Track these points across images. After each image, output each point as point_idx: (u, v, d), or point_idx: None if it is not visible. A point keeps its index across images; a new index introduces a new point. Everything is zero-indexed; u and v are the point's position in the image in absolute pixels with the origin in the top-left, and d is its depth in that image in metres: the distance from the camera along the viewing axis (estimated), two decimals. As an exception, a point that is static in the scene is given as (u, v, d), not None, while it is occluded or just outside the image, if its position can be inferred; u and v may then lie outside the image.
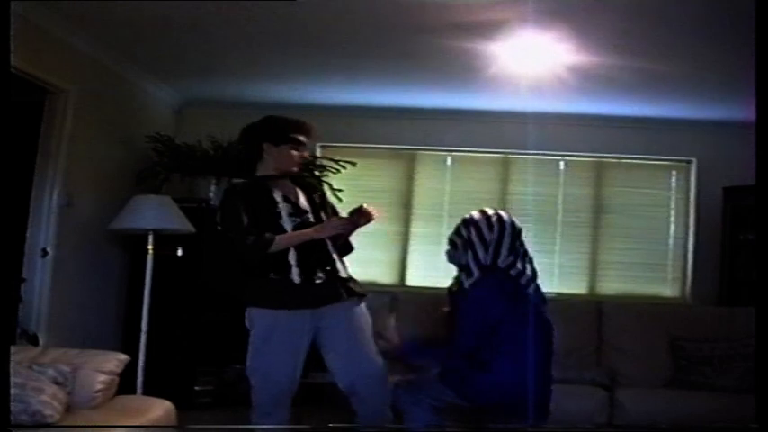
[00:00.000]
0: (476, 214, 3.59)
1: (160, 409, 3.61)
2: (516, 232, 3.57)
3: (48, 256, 5.14)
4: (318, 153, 6.84)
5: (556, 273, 6.73)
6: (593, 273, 6.73)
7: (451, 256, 3.64)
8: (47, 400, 3.11)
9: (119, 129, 6.07)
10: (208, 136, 6.24)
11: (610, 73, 5.24)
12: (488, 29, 4.63)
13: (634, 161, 6.77)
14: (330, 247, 3.65)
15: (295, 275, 3.52)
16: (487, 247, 3.50)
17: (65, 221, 5.29)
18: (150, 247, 5.27)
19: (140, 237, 5.41)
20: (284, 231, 3.55)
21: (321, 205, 3.79)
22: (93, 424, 3.26)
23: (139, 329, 5.17)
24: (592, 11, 4.31)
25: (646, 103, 6.17)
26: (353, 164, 6.56)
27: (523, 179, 6.82)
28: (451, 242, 3.64)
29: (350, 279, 3.68)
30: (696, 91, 5.76)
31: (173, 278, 5.67)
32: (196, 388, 5.76)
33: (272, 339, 3.50)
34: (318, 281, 3.55)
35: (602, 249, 6.74)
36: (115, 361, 3.69)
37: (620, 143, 6.69)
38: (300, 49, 5.29)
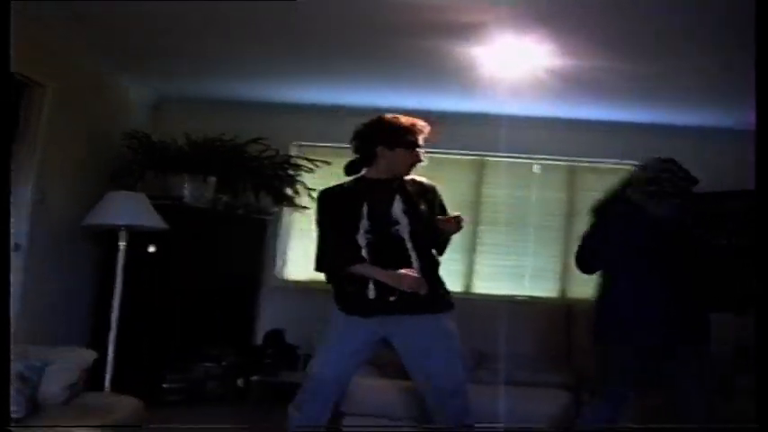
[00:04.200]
0: None
1: (127, 406, 3.60)
2: None
3: (19, 250, 5.11)
4: (294, 152, 6.84)
5: (527, 276, 6.76)
6: (565, 276, 6.71)
7: None
8: (11, 395, 3.09)
9: (94, 124, 6.02)
10: (184, 133, 6.23)
11: (589, 75, 5.26)
12: (467, 31, 4.64)
13: (608, 166, 6.77)
14: (417, 266, 3.49)
15: (371, 292, 3.46)
16: None
17: (37, 216, 5.26)
18: (122, 243, 5.24)
19: (113, 233, 5.38)
20: (358, 245, 3.49)
21: (426, 211, 3.61)
22: (94, 424, 3.23)
23: (109, 325, 5.14)
24: (572, 13, 4.33)
25: (623, 107, 6.20)
26: (328, 163, 6.56)
27: (497, 182, 6.85)
28: None
29: (434, 293, 3.52)
30: (675, 95, 5.79)
31: (144, 275, 5.64)
32: (164, 386, 5.74)
33: (329, 338, 3.57)
34: (393, 298, 3.44)
35: (574, 253, 6.72)
36: (84, 357, 3.68)
37: (595, 148, 6.68)
38: (276, 47, 5.29)
